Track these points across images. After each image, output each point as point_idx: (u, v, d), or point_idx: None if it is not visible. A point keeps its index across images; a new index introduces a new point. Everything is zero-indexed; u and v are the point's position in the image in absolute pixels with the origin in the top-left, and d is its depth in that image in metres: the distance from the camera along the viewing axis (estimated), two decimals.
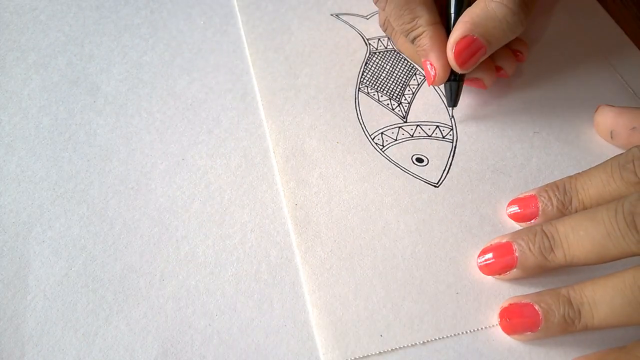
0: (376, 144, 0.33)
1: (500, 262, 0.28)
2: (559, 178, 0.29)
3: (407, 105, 0.36)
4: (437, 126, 0.35)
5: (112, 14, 0.40)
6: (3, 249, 0.28)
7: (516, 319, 0.26)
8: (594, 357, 0.25)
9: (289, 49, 0.38)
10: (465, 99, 0.35)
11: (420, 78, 0.37)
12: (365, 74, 0.37)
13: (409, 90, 0.36)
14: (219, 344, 0.26)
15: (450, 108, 0.35)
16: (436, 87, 0.36)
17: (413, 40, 0.33)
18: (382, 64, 0.38)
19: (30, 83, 0.35)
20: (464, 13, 0.31)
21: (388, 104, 0.35)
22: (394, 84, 0.37)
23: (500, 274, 0.28)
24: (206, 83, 0.36)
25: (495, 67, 0.34)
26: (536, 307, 0.25)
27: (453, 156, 0.33)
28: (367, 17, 0.40)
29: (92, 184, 0.31)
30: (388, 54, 0.38)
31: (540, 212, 0.29)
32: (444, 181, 0.32)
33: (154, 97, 0.35)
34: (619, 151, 0.31)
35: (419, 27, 0.32)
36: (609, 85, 0.37)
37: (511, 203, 0.31)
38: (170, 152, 0.33)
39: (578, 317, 0.24)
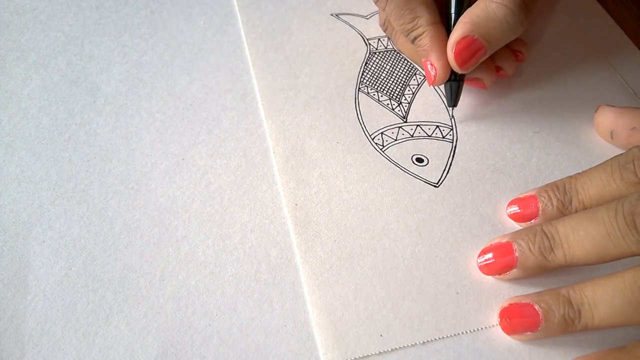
0: (376, 144, 0.33)
1: (500, 262, 0.28)
2: (559, 178, 0.29)
3: (407, 105, 0.36)
4: (437, 126, 0.35)
5: (112, 14, 0.40)
6: (3, 249, 0.28)
7: (516, 319, 0.26)
8: (594, 357, 0.25)
9: (289, 49, 0.38)
10: (465, 99, 0.35)
11: (420, 78, 0.37)
12: (365, 74, 0.37)
13: (409, 90, 0.36)
14: (219, 344, 0.26)
15: (451, 108, 0.35)
16: (436, 87, 0.36)
17: (413, 40, 0.33)
18: (382, 64, 0.38)
19: (30, 83, 0.35)
20: (464, 13, 0.31)
21: (388, 104, 0.35)
22: (394, 84, 0.37)
23: (500, 274, 0.28)
24: (206, 83, 0.36)
25: (495, 67, 0.34)
26: (536, 307, 0.25)
27: (453, 156, 0.33)
28: (367, 17, 0.40)
29: (92, 184, 0.31)
30: (388, 54, 0.38)
31: (540, 212, 0.29)
32: (444, 181, 0.32)
33: (154, 97, 0.35)
34: (619, 151, 0.31)
35: (419, 27, 0.32)
36: (609, 85, 0.37)
37: (511, 203, 0.31)
38: (170, 152, 0.33)
39: (578, 317, 0.24)
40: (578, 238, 0.25)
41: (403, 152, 0.33)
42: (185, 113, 0.34)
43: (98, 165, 0.32)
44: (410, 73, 0.37)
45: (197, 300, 0.27)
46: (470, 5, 0.32)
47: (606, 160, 0.28)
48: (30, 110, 0.34)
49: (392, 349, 0.26)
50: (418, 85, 0.37)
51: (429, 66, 0.33)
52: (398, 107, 0.35)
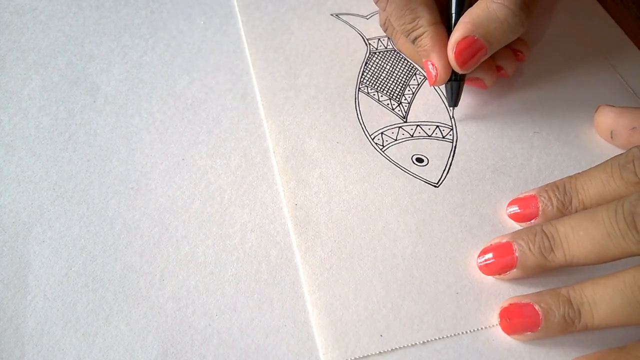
0: (376, 144, 0.33)
1: (500, 262, 0.28)
2: (559, 178, 0.29)
3: (407, 105, 0.36)
4: (437, 126, 0.35)
5: (112, 14, 0.40)
6: (3, 249, 0.28)
7: (516, 319, 0.26)
8: (594, 357, 0.25)
9: (289, 49, 0.38)
10: (465, 99, 0.35)
11: (420, 78, 0.37)
12: (365, 74, 0.37)
13: (409, 90, 0.36)
14: (219, 344, 0.26)
15: (451, 108, 0.35)
16: (436, 87, 0.36)
17: (414, 41, 0.33)
18: (382, 64, 0.38)
19: (30, 83, 0.35)
20: (465, 13, 0.31)
21: (388, 104, 0.35)
22: (394, 84, 0.37)
23: (500, 274, 0.28)
24: (206, 83, 0.36)
25: (495, 67, 0.34)
26: (536, 307, 0.25)
27: (453, 156, 0.33)
28: (367, 17, 0.40)
29: (92, 184, 0.31)
30: (388, 54, 0.38)
31: (540, 212, 0.29)
32: (444, 181, 0.32)
33: (154, 97, 0.35)
34: (619, 151, 0.31)
35: (420, 28, 0.32)
36: (609, 85, 0.37)
37: (511, 203, 0.31)
38: (170, 152, 0.33)
39: (578, 317, 0.24)
40: (578, 238, 0.25)
41: (403, 152, 0.33)
42: (185, 113, 0.34)
43: (98, 165, 0.32)
44: (410, 73, 0.37)
45: (197, 300, 0.27)
46: (470, 5, 0.32)
47: (606, 160, 0.28)
48: (30, 110, 0.34)
49: (392, 349, 0.26)
50: (418, 85, 0.37)
51: (429, 66, 0.33)
52: (398, 107, 0.35)
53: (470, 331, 0.27)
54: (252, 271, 0.28)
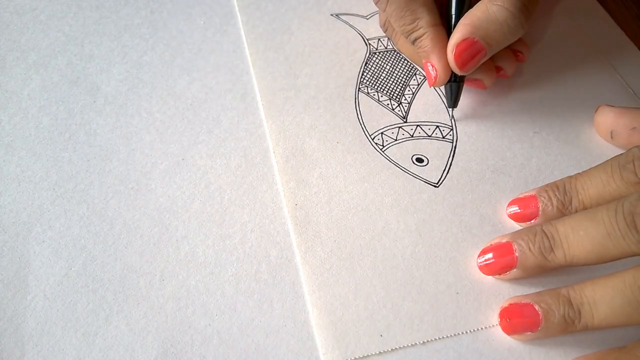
0: (376, 144, 0.33)
1: (500, 262, 0.28)
2: (559, 178, 0.29)
3: (407, 105, 0.36)
4: (437, 126, 0.35)
5: (112, 14, 0.40)
6: (3, 249, 0.28)
7: (516, 319, 0.26)
8: (594, 357, 0.25)
9: (289, 49, 0.38)
10: (465, 99, 0.35)
11: (420, 78, 0.37)
12: (365, 74, 0.37)
13: (409, 91, 0.36)
14: (219, 344, 0.26)
15: (450, 109, 0.35)
16: (436, 88, 0.36)
17: (414, 42, 0.33)
18: (382, 64, 0.38)
19: (30, 83, 0.35)
20: (464, 15, 0.31)
21: (388, 104, 0.35)
22: (394, 84, 0.37)
23: (500, 274, 0.28)
24: (206, 83, 0.36)
25: (495, 68, 0.34)
26: (536, 307, 0.25)
27: (453, 156, 0.33)
28: (367, 17, 0.40)
29: (92, 184, 0.31)
30: (388, 54, 0.38)
31: (540, 212, 0.29)
32: (444, 181, 0.32)
33: (154, 97, 0.35)
34: (619, 151, 0.31)
35: (420, 29, 0.32)
36: (609, 85, 0.37)
37: (511, 203, 0.31)
38: (170, 152, 0.33)
39: (578, 317, 0.24)
40: (578, 238, 0.25)
41: (403, 152, 0.33)
42: (185, 113, 0.34)
43: (98, 165, 0.32)
44: (410, 73, 0.37)
45: (197, 300, 0.27)
46: (470, 6, 0.32)
47: (606, 160, 0.28)
48: (30, 110, 0.34)
49: (392, 349, 0.26)
50: (418, 85, 0.37)
51: (429, 67, 0.33)
52: (398, 107, 0.35)
53: (470, 331, 0.27)
54: (252, 271, 0.28)
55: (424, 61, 0.33)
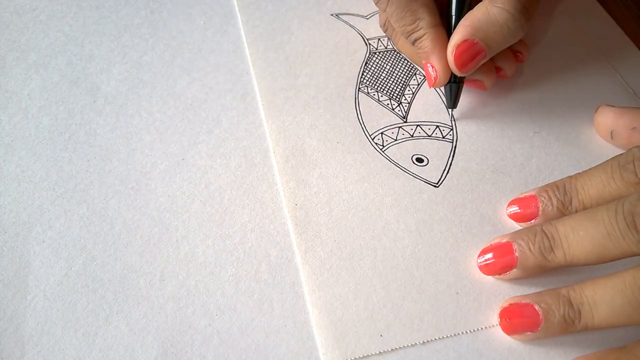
0: (376, 144, 0.33)
1: (500, 262, 0.28)
2: (559, 178, 0.29)
3: (407, 105, 0.36)
4: (437, 126, 0.35)
5: (112, 14, 0.40)
6: (3, 249, 0.28)
7: (516, 319, 0.26)
8: (594, 357, 0.25)
9: (289, 49, 0.38)
10: (465, 99, 0.35)
11: (420, 78, 0.37)
12: (365, 74, 0.37)
13: (409, 90, 0.36)
14: (219, 344, 0.26)
15: (450, 109, 0.35)
16: (436, 88, 0.36)
17: (414, 42, 0.33)
18: (382, 64, 0.38)
19: (30, 83, 0.35)
20: (465, 16, 0.31)
21: (388, 104, 0.35)
22: (394, 84, 0.37)
23: (500, 274, 0.28)
24: (206, 83, 0.36)
25: (495, 68, 0.34)
26: (536, 307, 0.25)
27: (453, 156, 0.33)
28: (367, 17, 0.40)
29: (92, 184, 0.31)
30: (388, 54, 0.38)
31: (540, 212, 0.29)
32: (444, 181, 0.32)
33: (154, 97, 0.35)
34: (619, 151, 0.31)
35: (420, 29, 0.32)
36: (609, 85, 0.37)
37: (511, 203, 0.31)
38: (170, 152, 0.33)
39: (578, 317, 0.24)
40: (578, 238, 0.25)
41: (403, 152, 0.33)
42: (185, 113, 0.34)
43: (98, 165, 0.32)
44: (410, 73, 0.37)
45: (197, 300, 0.27)
46: (471, 7, 0.32)
47: (606, 160, 0.28)
48: (30, 110, 0.34)
49: (392, 349, 0.26)
50: (418, 85, 0.37)
51: (429, 68, 0.33)
52: (398, 107, 0.35)
53: (470, 331, 0.27)
54: (252, 271, 0.28)
55: (423, 62, 0.33)
